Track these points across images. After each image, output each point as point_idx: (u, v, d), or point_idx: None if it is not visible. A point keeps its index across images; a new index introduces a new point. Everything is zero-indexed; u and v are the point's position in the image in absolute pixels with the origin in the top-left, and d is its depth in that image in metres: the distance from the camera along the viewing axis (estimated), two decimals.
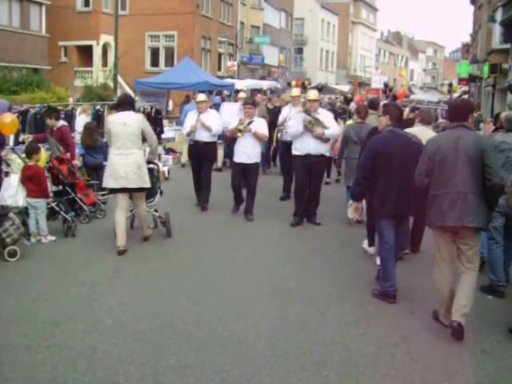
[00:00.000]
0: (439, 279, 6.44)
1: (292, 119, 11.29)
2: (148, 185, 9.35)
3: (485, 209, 6.10)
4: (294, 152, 10.90)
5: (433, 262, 6.73)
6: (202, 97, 12.58)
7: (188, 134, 12.33)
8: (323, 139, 10.67)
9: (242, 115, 11.68)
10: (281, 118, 13.69)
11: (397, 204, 7.04)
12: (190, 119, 12.29)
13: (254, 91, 31.25)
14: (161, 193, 10.31)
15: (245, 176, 11.55)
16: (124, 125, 9.03)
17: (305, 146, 10.67)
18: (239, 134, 11.25)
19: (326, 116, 10.92)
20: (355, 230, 10.30)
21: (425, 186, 6.34)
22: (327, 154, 11.18)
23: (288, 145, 12.14)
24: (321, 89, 38.23)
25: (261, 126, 11.48)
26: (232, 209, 11.88)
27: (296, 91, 14.44)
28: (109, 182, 9.17)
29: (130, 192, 9.33)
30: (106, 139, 9.63)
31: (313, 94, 10.95)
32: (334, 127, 10.87)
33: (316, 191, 11.10)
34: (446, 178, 6.12)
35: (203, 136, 12.08)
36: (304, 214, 11.16)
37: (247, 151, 11.32)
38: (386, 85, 50.19)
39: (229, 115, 14.81)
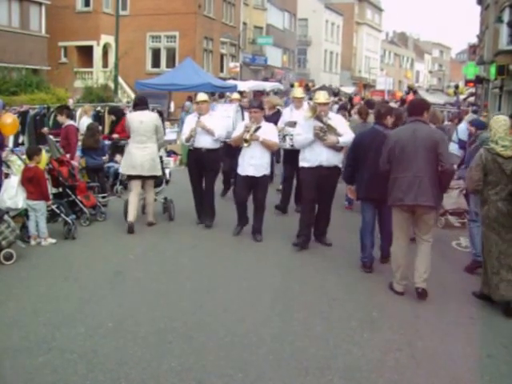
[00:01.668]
0: (397, 251, 7.61)
1: (299, 126, 9.85)
2: (160, 173, 11.07)
3: (437, 190, 7.31)
4: (303, 163, 9.63)
5: (437, 264, 7.96)
6: (202, 96, 11.09)
7: (187, 140, 10.86)
8: (336, 148, 9.46)
9: (241, 120, 10.66)
10: (281, 122, 12.17)
11: (369, 189, 8.39)
12: (190, 122, 10.95)
13: (257, 93, 31.29)
14: (166, 182, 11.93)
15: (251, 191, 10.27)
16: (141, 122, 10.61)
17: (316, 157, 9.40)
18: (245, 144, 9.88)
19: (338, 121, 9.73)
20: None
21: (387, 171, 7.52)
22: (340, 165, 9.83)
23: (289, 152, 11.46)
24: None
25: (270, 132, 10.15)
26: (234, 229, 10.47)
27: (299, 92, 13.05)
28: (127, 169, 10.83)
29: (144, 179, 10.82)
30: (127, 131, 11.23)
31: (323, 97, 9.61)
32: (347, 133, 9.52)
33: (327, 208, 9.95)
34: (404, 164, 7.31)
35: (205, 142, 10.73)
36: (309, 232, 9.88)
37: (255, 162, 9.97)
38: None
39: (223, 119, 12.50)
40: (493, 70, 33.62)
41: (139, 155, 10.56)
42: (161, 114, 20.00)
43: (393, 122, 8.84)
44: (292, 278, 8.19)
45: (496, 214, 7.09)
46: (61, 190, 10.69)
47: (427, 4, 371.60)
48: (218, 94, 25.68)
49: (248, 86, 33.60)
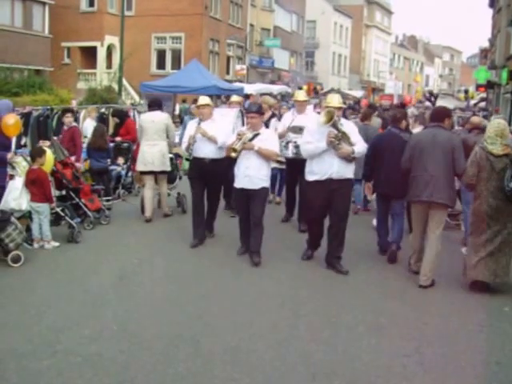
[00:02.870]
0: (414, 239, 8.79)
1: (308, 133, 8.90)
2: (169, 168, 11.99)
3: (451, 189, 8.26)
4: (310, 177, 8.78)
5: (445, 271, 8.68)
6: (204, 100, 10.20)
7: (187, 150, 10.03)
8: (349, 158, 8.58)
9: (239, 125, 10.37)
10: (281, 128, 11.32)
11: (386, 185, 9.29)
12: (190, 129, 10.10)
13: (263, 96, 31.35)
14: (180, 177, 12.98)
15: (249, 206, 9.26)
16: (152, 122, 11.61)
17: (326, 169, 8.52)
18: (233, 154, 8.95)
19: (350, 128, 8.80)
20: (367, 240, 10.40)
21: (408, 169, 8.42)
22: (352, 177, 9.00)
23: (291, 161, 10.90)
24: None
25: (269, 140, 9.19)
26: (238, 249, 9.64)
27: (302, 95, 11.81)
28: (139, 166, 11.82)
29: (156, 174, 11.89)
30: (138, 133, 12.59)
31: (337, 101, 8.80)
32: (360, 142, 8.75)
33: (340, 230, 8.88)
34: (423, 164, 8.21)
35: (208, 151, 9.90)
36: (318, 244, 9.31)
37: (250, 173, 9.02)
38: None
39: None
40: (504, 74, 33.65)
41: (150, 152, 11.53)
42: None
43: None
44: (299, 284, 8.24)
45: (486, 208, 7.93)
46: (64, 192, 10.76)
47: (438, 7, 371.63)
48: (224, 96, 25.73)
49: (255, 88, 33.74)
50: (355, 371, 5.67)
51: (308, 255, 9.37)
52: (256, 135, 9.04)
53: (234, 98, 14.34)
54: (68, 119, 13.05)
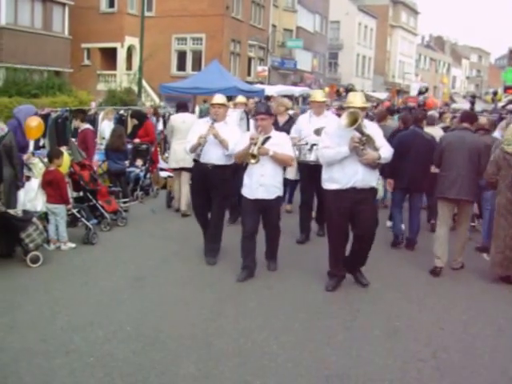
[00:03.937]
0: (439, 234, 9.16)
1: (327, 137, 7.95)
2: None
3: (475, 187, 9.08)
4: (330, 185, 7.91)
5: (465, 276, 8.98)
6: (219, 98, 9.40)
7: (193, 150, 9.20)
8: (373, 165, 7.80)
9: (246, 129, 10.23)
10: (294, 131, 10.55)
11: (409, 181, 10.14)
12: (199, 128, 9.31)
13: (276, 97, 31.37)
14: None
15: (263, 217, 8.67)
16: (183, 122, 12.65)
17: (350, 176, 7.69)
18: (253, 161, 8.10)
19: (374, 131, 7.92)
20: (384, 242, 10.41)
21: (439, 166, 9.25)
22: (376, 186, 8.35)
23: (311, 167, 9.98)
24: (349, 91, 37.89)
25: (282, 144, 8.41)
26: (239, 275, 8.52)
27: (320, 95, 10.83)
28: (172, 163, 12.97)
29: (184, 171, 12.46)
30: (167, 133, 14.18)
31: (360, 100, 7.94)
32: (386, 147, 7.92)
33: (369, 241, 8.15)
34: (450, 163, 9.00)
35: (214, 156, 9.08)
36: (344, 271, 8.33)
37: (266, 181, 8.30)
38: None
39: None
40: None
41: (181, 150, 11.43)
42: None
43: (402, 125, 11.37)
44: (314, 287, 8.27)
45: (505, 202, 8.66)
46: (82, 194, 10.90)
47: (466, 7, 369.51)
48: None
49: (276, 90, 33.69)
50: (369, 375, 5.71)
51: (333, 286, 8.17)
52: (267, 139, 8.31)
53: (239, 98, 13.91)
54: (75, 122, 13.49)
